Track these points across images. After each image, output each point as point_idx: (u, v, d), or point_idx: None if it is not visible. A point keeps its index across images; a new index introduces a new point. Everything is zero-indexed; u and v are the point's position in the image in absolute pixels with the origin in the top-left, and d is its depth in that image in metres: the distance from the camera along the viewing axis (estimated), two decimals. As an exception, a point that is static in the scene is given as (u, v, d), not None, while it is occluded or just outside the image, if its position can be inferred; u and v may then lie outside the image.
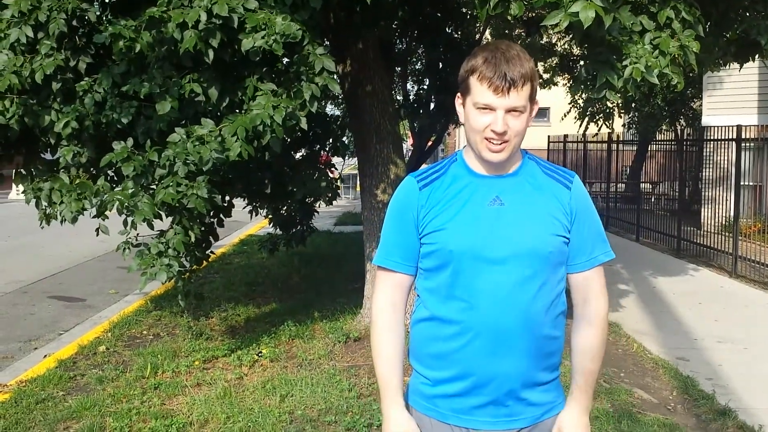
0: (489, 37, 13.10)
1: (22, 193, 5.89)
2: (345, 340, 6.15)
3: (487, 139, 1.85)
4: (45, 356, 6.06)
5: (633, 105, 19.03)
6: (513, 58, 1.82)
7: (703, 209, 13.78)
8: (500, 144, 1.84)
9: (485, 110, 1.83)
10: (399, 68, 11.61)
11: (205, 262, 6.00)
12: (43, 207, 5.59)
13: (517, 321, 1.85)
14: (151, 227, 5.14)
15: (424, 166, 2.26)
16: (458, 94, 1.95)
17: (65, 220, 5.25)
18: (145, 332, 6.78)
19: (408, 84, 12.32)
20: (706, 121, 13.96)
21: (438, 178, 1.97)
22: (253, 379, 5.33)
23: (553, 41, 12.75)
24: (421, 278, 1.99)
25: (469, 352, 1.87)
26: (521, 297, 1.85)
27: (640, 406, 4.98)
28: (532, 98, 1.86)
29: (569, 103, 18.38)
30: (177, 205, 4.88)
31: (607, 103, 18.04)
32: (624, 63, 4.34)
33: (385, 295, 2.01)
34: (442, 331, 1.91)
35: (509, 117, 1.83)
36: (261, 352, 5.90)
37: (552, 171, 2.00)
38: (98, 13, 4.97)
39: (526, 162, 1.99)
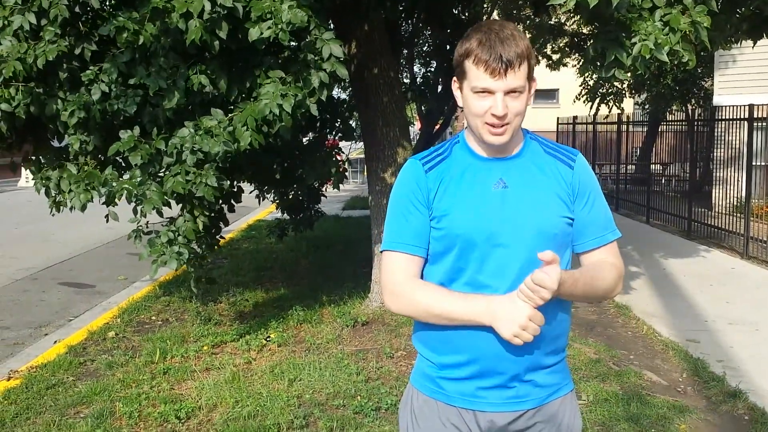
0: (497, 17, 13.00)
1: (32, 180, 5.91)
2: (353, 325, 6.14)
3: (488, 123, 1.82)
4: (55, 342, 6.09)
5: (644, 85, 18.86)
6: (507, 39, 1.77)
7: (714, 190, 13.68)
8: (501, 127, 1.81)
9: (484, 94, 1.80)
10: (406, 50, 11.55)
11: (215, 248, 6.01)
12: (53, 195, 5.60)
13: None
14: (161, 215, 5.15)
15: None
16: (454, 79, 1.91)
17: (74, 208, 5.26)
18: (154, 318, 6.80)
19: (415, 66, 12.25)
20: (717, 100, 13.81)
21: (443, 160, 1.94)
22: (262, 363, 5.34)
23: (562, 21, 12.62)
24: (428, 264, 1.95)
25: (475, 337, 1.84)
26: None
27: (650, 388, 4.95)
28: (530, 77, 1.82)
29: (580, 85, 18.22)
30: (186, 193, 4.87)
31: (617, 83, 17.90)
32: (633, 40, 4.27)
33: (401, 270, 1.92)
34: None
35: (508, 99, 1.79)
36: (269, 337, 5.90)
37: (554, 150, 1.97)
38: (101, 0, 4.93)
39: (528, 142, 1.95)
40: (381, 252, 1.98)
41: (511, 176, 1.88)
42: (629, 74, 4.53)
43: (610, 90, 17.62)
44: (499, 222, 1.84)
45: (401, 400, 2.07)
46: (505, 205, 1.85)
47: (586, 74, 5.17)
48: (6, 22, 4.70)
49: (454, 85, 1.91)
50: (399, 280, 1.91)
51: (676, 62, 4.42)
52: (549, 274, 1.67)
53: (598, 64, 4.53)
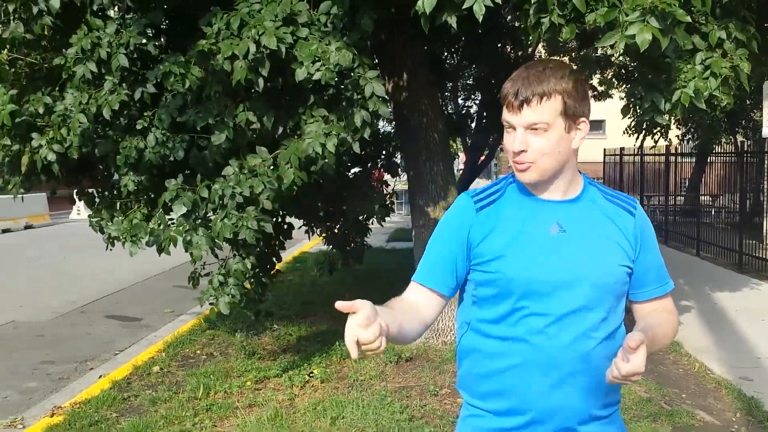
0: (542, 50, 12.96)
1: (84, 214, 6.10)
2: (396, 360, 6.07)
3: (512, 160, 1.79)
4: (100, 377, 6.13)
5: (691, 118, 18.54)
6: (533, 75, 1.74)
7: (765, 222, 13.31)
8: (523, 164, 1.76)
9: (509, 129, 1.78)
10: (450, 83, 11.56)
11: (268, 286, 6.07)
12: (107, 233, 5.73)
13: (580, 355, 1.76)
14: (216, 257, 5.23)
15: (477, 185, 2.14)
16: None
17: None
18: (198, 351, 6.82)
19: (459, 99, 12.24)
20: (766, 132, 13.48)
21: (496, 200, 1.88)
22: (304, 400, 5.30)
23: (608, 53, 12.52)
24: (474, 307, 1.89)
25: (527, 386, 1.78)
26: (584, 330, 1.77)
27: (703, 428, 4.79)
28: (566, 113, 1.74)
29: (628, 117, 17.98)
30: (232, 237, 4.92)
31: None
32: (673, 86, 4.20)
33: (409, 295, 1.89)
34: (498, 363, 1.82)
35: (529, 135, 1.74)
36: (312, 372, 5.86)
37: (614, 197, 1.91)
38: (156, 44, 5.07)
39: (586, 187, 1.89)
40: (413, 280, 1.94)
41: (570, 221, 1.82)
42: (667, 117, 4.46)
43: (656, 123, 17.36)
44: (555, 268, 1.77)
45: None
46: (563, 251, 1.78)
47: (626, 116, 5.12)
48: (70, 73, 4.85)
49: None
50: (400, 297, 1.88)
51: (715, 104, 4.33)
52: (637, 360, 1.57)
53: (639, 105, 4.45)
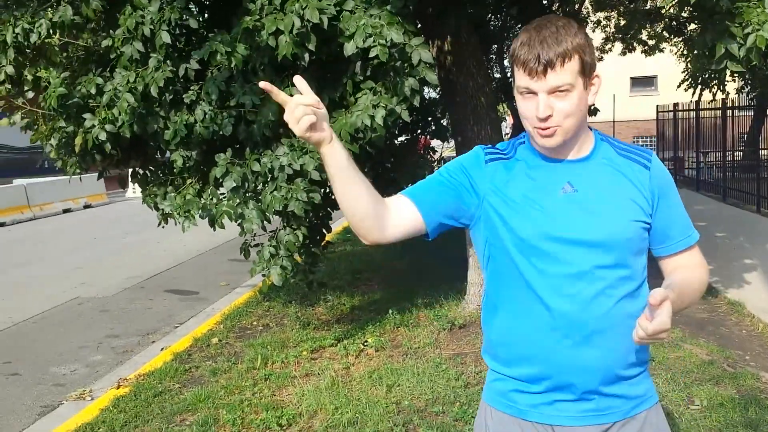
0: (589, 6, 12.62)
1: (134, 192, 6.20)
2: (450, 328, 6.08)
3: (535, 126, 1.72)
4: (162, 349, 6.30)
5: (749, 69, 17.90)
6: (549, 37, 1.67)
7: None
8: (549, 128, 1.70)
9: (529, 95, 1.71)
10: (495, 46, 11.37)
11: (319, 256, 6.12)
12: (161, 210, 5.84)
13: (599, 314, 1.73)
14: (265, 230, 5.28)
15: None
16: (512, 79, 1.83)
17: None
18: (255, 323, 6.94)
19: (505, 61, 12.04)
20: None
21: (507, 159, 1.85)
22: (360, 368, 5.35)
23: (658, 5, 12.13)
24: (490, 267, 1.87)
25: (548, 349, 1.75)
26: (600, 289, 1.73)
27: (769, 391, 4.67)
28: (584, 72, 1.70)
29: (682, 71, 17.41)
30: (282, 208, 4.96)
31: (727, 70, 17.09)
32: (746, 30, 4.01)
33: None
34: (518, 325, 1.80)
35: (554, 99, 1.68)
36: (367, 341, 5.91)
37: (628, 151, 1.85)
38: (199, 19, 5.10)
39: (598, 143, 1.84)
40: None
41: (581, 179, 1.78)
42: (741, 65, 4.26)
43: (712, 75, 16.77)
44: (568, 227, 1.74)
45: (475, 421, 1.99)
46: (575, 210, 1.75)
47: (688, 59, 4.92)
48: (118, 53, 4.93)
49: (514, 86, 1.82)
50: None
51: None
52: (662, 317, 1.54)
53: (708, 56, 4.28)
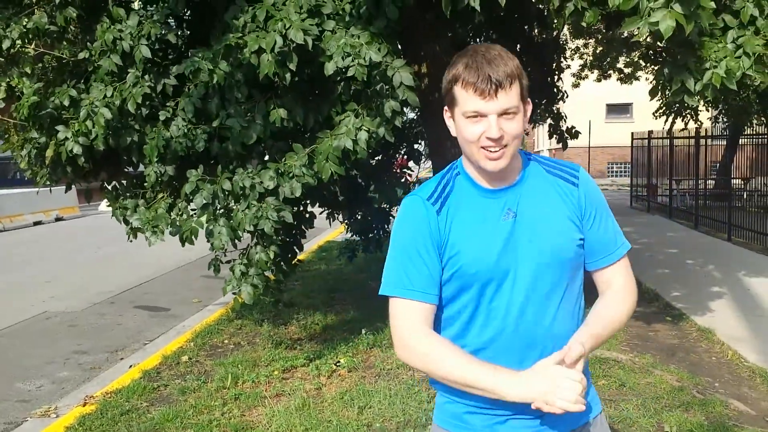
0: (567, 33, 12.80)
1: (108, 206, 6.11)
2: (423, 349, 6.04)
3: (483, 147, 1.72)
4: (130, 366, 6.19)
5: (722, 97, 18.21)
6: (494, 59, 1.69)
7: (800, 205, 13.05)
8: (498, 150, 1.71)
9: (476, 118, 1.71)
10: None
11: (291, 274, 6.08)
12: (130, 224, 5.77)
13: (545, 333, 1.77)
14: (235, 247, 5.23)
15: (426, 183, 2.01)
16: (445, 108, 1.83)
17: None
18: (226, 341, 6.86)
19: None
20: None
21: (448, 196, 1.83)
22: (332, 389, 5.30)
23: (634, 34, 12.34)
24: (440, 307, 1.86)
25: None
26: (548, 310, 1.77)
27: (737, 418, 4.69)
28: (523, 98, 1.73)
29: (657, 100, 17.69)
30: (253, 228, 4.93)
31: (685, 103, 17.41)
32: (704, 65, 4.08)
33: (416, 320, 1.80)
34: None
35: (503, 121, 1.70)
36: (339, 362, 5.86)
37: (556, 168, 1.88)
38: (179, 33, 5.09)
39: (528, 165, 1.86)
40: (386, 296, 1.86)
41: (518, 204, 1.80)
42: (698, 99, 4.34)
43: (685, 105, 17.05)
44: (512, 255, 1.76)
45: None
46: (517, 236, 1.77)
47: (655, 98, 4.99)
48: (95, 66, 4.89)
49: (446, 114, 1.83)
50: (414, 331, 1.79)
51: (748, 84, 4.20)
52: (575, 378, 1.66)
53: (668, 86, 4.35)
